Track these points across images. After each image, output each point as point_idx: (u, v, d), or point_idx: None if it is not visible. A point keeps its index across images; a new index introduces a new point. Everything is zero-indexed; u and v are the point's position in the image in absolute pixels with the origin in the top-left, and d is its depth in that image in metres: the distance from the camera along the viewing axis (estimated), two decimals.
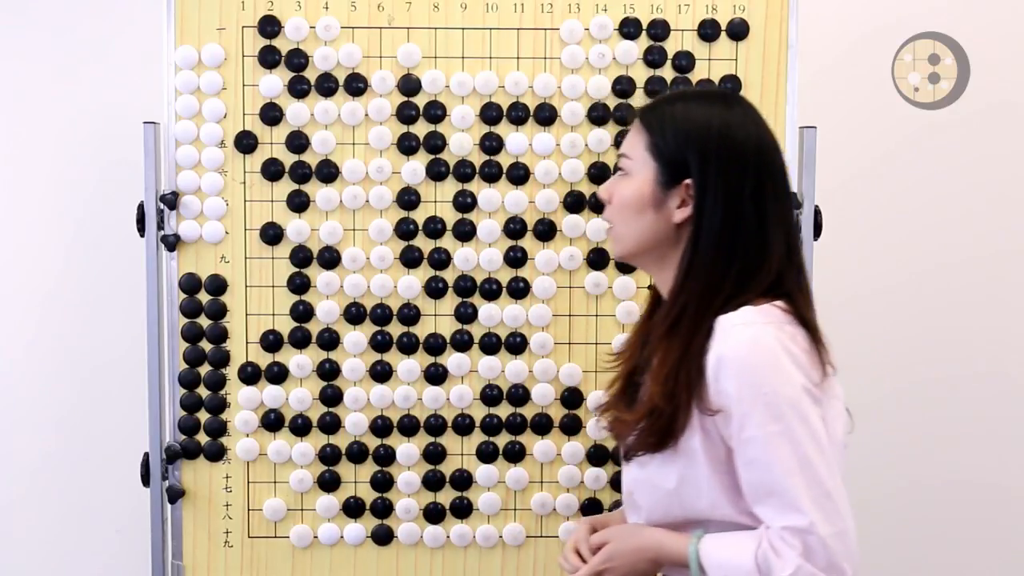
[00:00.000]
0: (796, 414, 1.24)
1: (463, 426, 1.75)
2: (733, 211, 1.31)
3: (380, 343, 1.73)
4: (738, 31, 1.70)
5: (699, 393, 1.28)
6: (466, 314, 1.73)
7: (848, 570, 1.23)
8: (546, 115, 1.71)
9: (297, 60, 1.70)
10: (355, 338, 1.73)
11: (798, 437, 1.23)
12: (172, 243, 1.72)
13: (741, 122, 1.33)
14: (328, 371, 1.74)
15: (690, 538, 1.32)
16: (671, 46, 1.71)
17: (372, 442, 1.76)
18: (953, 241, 2.29)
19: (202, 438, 1.75)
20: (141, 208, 1.72)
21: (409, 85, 1.71)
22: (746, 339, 1.26)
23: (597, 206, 1.71)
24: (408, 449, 1.75)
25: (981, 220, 2.29)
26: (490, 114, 1.71)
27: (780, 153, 1.36)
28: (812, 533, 1.22)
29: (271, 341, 1.73)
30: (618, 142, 1.71)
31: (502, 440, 1.75)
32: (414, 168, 1.71)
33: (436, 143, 1.71)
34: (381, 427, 1.75)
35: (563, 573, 1.68)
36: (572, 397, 1.74)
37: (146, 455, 1.75)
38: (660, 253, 1.36)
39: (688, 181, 1.32)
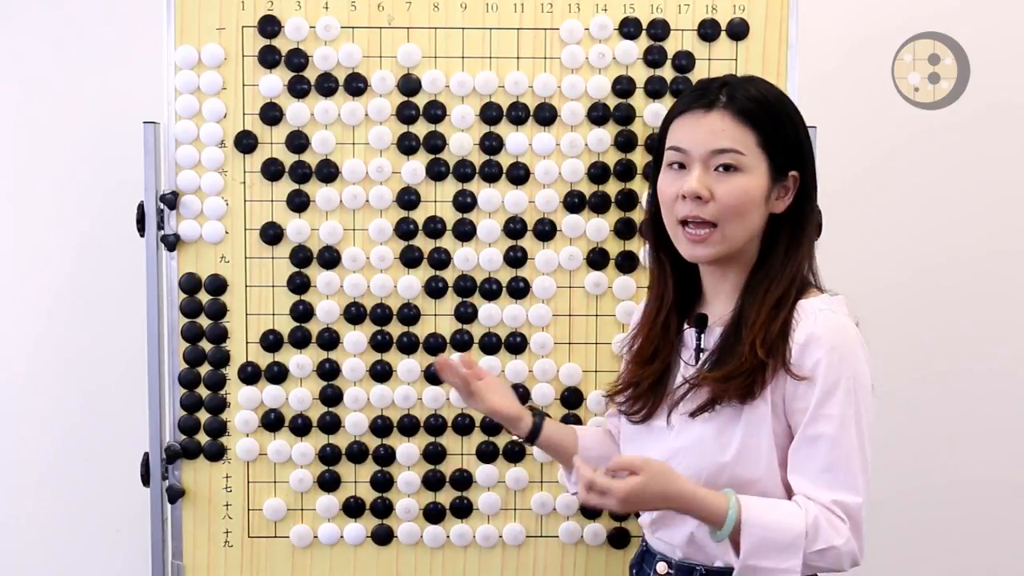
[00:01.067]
0: (865, 403, 1.35)
1: (463, 426, 1.75)
2: (815, 197, 1.45)
3: (380, 343, 1.73)
4: (738, 31, 1.70)
5: (784, 357, 1.35)
6: (466, 314, 1.73)
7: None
8: (546, 115, 1.71)
9: (297, 60, 1.70)
10: (355, 338, 1.73)
11: (863, 424, 1.35)
12: (172, 243, 1.72)
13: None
14: (328, 371, 1.74)
15: (724, 497, 1.34)
16: (671, 46, 1.71)
17: (372, 442, 1.76)
18: (954, 240, 2.29)
19: (202, 438, 1.75)
20: (141, 208, 1.72)
21: (409, 85, 1.71)
22: (836, 324, 1.36)
23: (597, 206, 1.72)
24: (408, 449, 1.75)
25: (981, 220, 2.29)
26: (490, 114, 1.71)
27: None
28: (859, 512, 1.33)
29: (271, 341, 1.73)
30: (618, 142, 1.71)
31: (502, 440, 1.75)
32: (414, 168, 1.71)
33: (436, 143, 1.71)
34: (381, 427, 1.75)
35: (563, 566, 1.69)
36: (572, 397, 1.74)
37: (146, 455, 1.75)
38: (747, 244, 1.42)
39: (794, 173, 1.41)
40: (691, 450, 1.41)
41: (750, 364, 1.35)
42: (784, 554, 1.30)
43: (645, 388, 1.49)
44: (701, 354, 1.44)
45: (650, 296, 1.54)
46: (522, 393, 1.73)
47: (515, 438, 1.74)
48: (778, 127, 1.39)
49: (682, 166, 1.41)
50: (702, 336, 1.45)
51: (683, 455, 1.41)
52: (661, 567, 1.46)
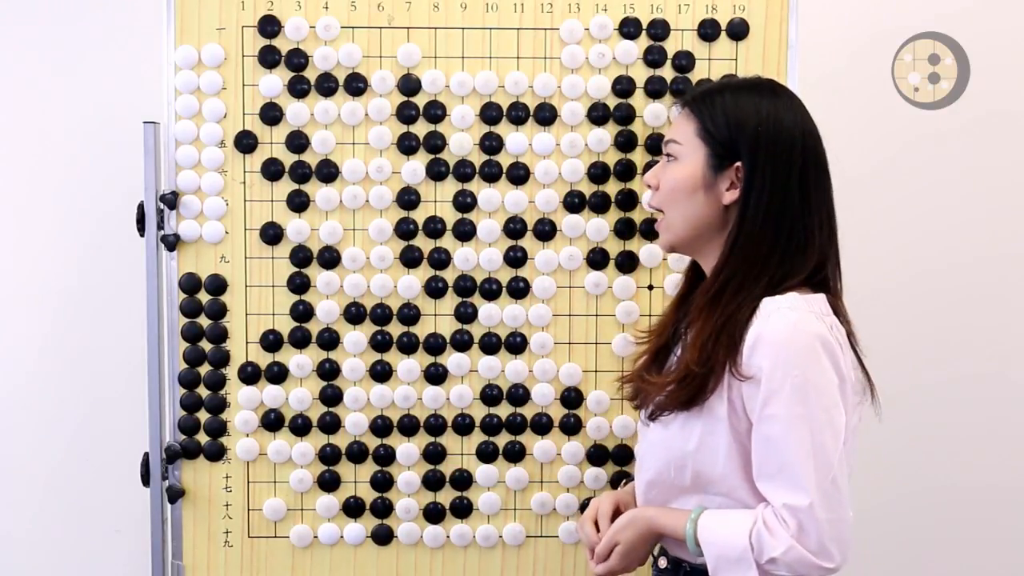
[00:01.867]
0: (820, 402, 1.30)
1: (463, 426, 1.75)
2: (779, 194, 1.37)
3: (380, 343, 1.73)
4: (738, 31, 1.70)
5: (733, 360, 1.33)
6: (466, 314, 1.73)
7: (837, 555, 1.29)
8: (546, 115, 1.71)
9: (297, 60, 1.70)
10: (355, 338, 1.73)
11: (818, 424, 1.29)
12: (172, 243, 1.72)
13: (788, 110, 1.40)
14: (328, 371, 1.74)
15: (688, 515, 1.37)
16: (671, 46, 1.71)
17: (372, 442, 1.76)
18: (954, 241, 2.29)
19: (202, 438, 1.75)
20: (141, 208, 1.72)
21: (409, 85, 1.71)
22: (788, 322, 1.32)
23: (597, 206, 1.72)
24: (408, 449, 1.75)
25: (982, 220, 2.29)
26: (490, 114, 1.71)
27: (822, 143, 1.42)
28: (809, 514, 1.28)
29: (271, 341, 1.73)
30: (618, 142, 1.71)
31: (502, 440, 1.75)
32: (414, 168, 1.71)
33: (436, 143, 1.71)
34: (381, 427, 1.75)
35: (563, 566, 1.71)
36: (572, 397, 1.74)
37: (146, 455, 1.75)
38: (707, 237, 1.42)
39: (738, 164, 1.38)
40: (661, 444, 1.43)
41: (683, 373, 1.36)
42: (738, 567, 1.32)
43: (637, 369, 1.53)
44: None
45: None
46: (522, 394, 1.73)
47: (515, 438, 1.75)
48: (715, 115, 1.40)
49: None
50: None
51: (656, 448, 1.44)
52: (662, 561, 1.49)
